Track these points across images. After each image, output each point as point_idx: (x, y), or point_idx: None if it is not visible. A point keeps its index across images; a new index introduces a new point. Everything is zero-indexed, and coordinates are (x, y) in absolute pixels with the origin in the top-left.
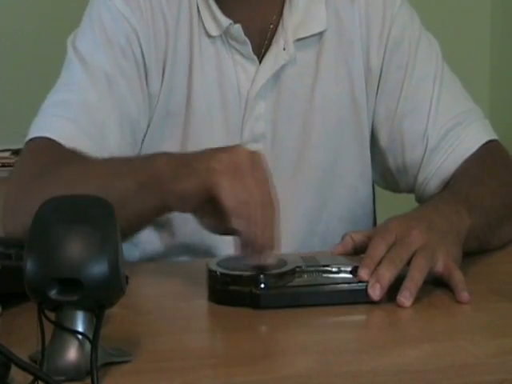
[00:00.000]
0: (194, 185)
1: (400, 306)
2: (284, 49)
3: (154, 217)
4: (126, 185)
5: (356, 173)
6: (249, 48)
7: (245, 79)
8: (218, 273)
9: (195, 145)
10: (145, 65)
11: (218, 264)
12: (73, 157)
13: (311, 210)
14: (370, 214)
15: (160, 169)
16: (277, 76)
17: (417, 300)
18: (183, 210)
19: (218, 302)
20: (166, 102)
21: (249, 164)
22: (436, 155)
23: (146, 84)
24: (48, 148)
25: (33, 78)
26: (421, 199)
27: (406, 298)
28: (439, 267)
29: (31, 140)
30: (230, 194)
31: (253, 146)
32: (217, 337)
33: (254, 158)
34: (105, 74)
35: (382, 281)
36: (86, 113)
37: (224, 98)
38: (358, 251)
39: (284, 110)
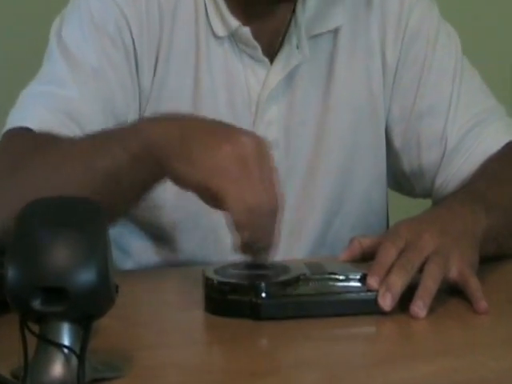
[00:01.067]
0: (195, 181)
1: (413, 317)
2: (297, 47)
3: (153, 186)
4: (117, 157)
5: (371, 177)
6: (258, 51)
7: (255, 82)
8: (215, 281)
9: None
10: (136, 55)
11: (216, 271)
12: (53, 140)
13: (322, 220)
14: (383, 221)
15: (154, 141)
16: (290, 77)
17: (431, 310)
18: (183, 189)
19: (215, 312)
20: (158, 99)
21: (255, 158)
22: (455, 157)
23: (137, 75)
24: (25, 137)
25: (16, 73)
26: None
27: (419, 307)
28: (453, 274)
29: (9, 130)
30: (237, 202)
31: None
32: (214, 350)
33: (261, 150)
34: (91, 67)
35: (392, 289)
36: (66, 108)
37: (233, 102)
38: (366, 257)
39: (297, 113)
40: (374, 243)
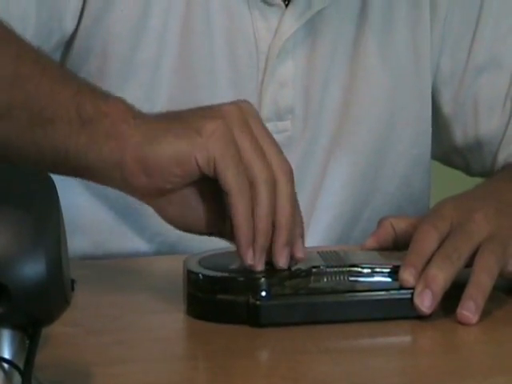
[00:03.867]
0: (173, 151)
1: (461, 323)
2: None
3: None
4: (60, 103)
5: (411, 158)
6: None
7: (265, 29)
8: (200, 275)
9: None
10: None
11: (201, 263)
12: None
13: (347, 211)
14: (423, 213)
15: (118, 114)
16: (310, 25)
17: (484, 314)
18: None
19: (200, 316)
20: (135, 40)
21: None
22: None
23: None
24: None
25: None
26: None
27: (469, 311)
28: None
29: None
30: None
31: (277, 125)
32: (200, 367)
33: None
34: None
35: (433, 286)
36: None
37: (234, 56)
38: (399, 245)
39: (320, 72)
40: (410, 226)
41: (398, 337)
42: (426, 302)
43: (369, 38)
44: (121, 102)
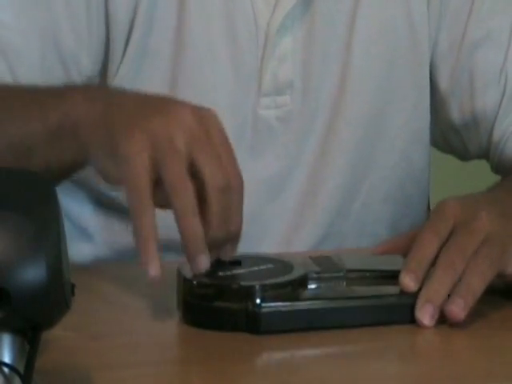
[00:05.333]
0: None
1: (449, 318)
2: None
3: (72, 171)
4: (32, 130)
5: (410, 132)
6: None
7: (263, 5)
8: (194, 282)
9: (191, 99)
10: None
11: None
12: None
13: (345, 184)
14: (424, 193)
15: (76, 112)
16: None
17: (483, 320)
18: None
19: (196, 324)
20: (143, 35)
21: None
22: None
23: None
24: None
25: None
26: (498, 168)
27: (458, 306)
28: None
29: None
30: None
31: (276, 100)
32: (199, 371)
33: (209, 123)
34: None
35: (435, 299)
36: None
37: (233, 33)
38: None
39: (318, 46)
40: (411, 240)
41: (397, 342)
42: (426, 318)
43: (366, 11)
44: (76, 92)
